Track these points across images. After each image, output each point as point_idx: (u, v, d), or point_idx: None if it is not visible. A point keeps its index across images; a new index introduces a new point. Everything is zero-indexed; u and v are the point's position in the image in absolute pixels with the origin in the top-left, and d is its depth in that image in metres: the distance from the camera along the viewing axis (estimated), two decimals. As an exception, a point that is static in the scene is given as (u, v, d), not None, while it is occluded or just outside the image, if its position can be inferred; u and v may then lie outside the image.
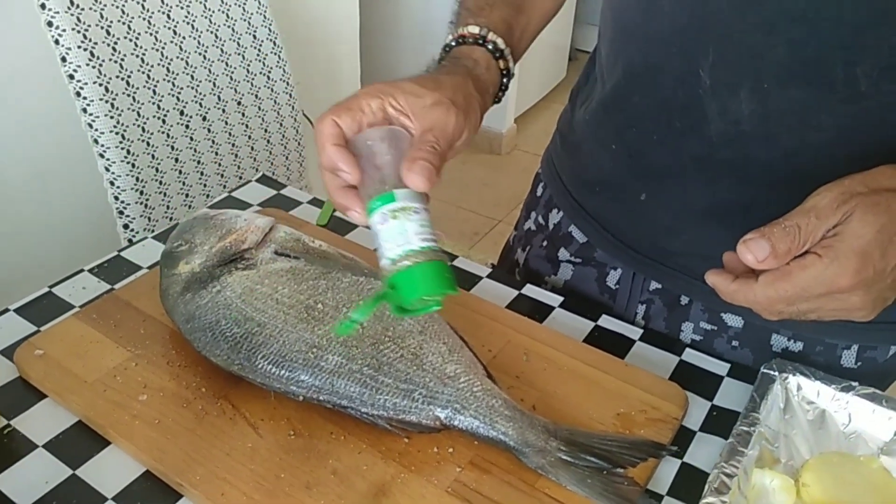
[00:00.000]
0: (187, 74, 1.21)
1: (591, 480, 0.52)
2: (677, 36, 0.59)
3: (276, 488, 0.52)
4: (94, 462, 0.55)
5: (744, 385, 0.65)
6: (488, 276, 0.77)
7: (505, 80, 0.63)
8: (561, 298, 0.74)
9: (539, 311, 0.72)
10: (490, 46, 0.61)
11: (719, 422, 0.61)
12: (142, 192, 1.17)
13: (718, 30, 0.56)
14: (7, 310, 0.69)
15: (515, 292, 0.75)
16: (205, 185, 1.28)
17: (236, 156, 1.30)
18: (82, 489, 0.53)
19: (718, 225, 0.62)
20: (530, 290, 0.75)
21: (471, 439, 0.55)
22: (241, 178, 1.31)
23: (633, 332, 0.70)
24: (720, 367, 0.67)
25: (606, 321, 0.71)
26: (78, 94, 1.08)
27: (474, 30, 0.62)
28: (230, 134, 1.28)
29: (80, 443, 0.56)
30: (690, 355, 0.68)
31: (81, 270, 0.75)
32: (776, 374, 0.61)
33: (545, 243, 0.82)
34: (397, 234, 0.48)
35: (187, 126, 1.22)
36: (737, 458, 0.54)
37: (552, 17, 0.74)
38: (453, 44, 0.62)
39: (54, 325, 0.66)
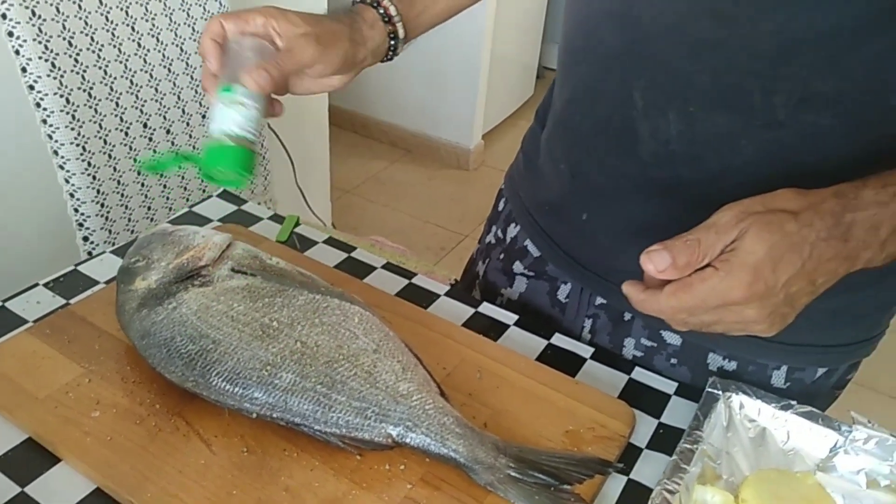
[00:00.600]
0: (150, 87, 1.21)
1: (539, 497, 0.53)
2: (614, 59, 0.63)
3: (228, 505, 0.52)
4: (44, 479, 0.55)
5: (690, 403, 0.67)
6: (446, 294, 0.78)
7: (392, 42, 0.72)
8: (516, 317, 0.76)
9: (494, 329, 0.74)
10: (381, 11, 0.70)
11: (666, 439, 0.63)
12: (102, 205, 1.16)
13: (650, 54, 0.60)
14: (-42, 324, 0.68)
15: (472, 310, 0.76)
16: (167, 199, 1.27)
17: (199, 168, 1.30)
18: (30, 507, 0.53)
19: (654, 244, 0.64)
20: (486, 308, 0.77)
21: (422, 456, 0.56)
22: (203, 191, 1.31)
23: (585, 351, 0.72)
24: (668, 386, 0.69)
25: (559, 339, 0.73)
26: (38, 104, 1.07)
27: None
28: (193, 147, 1.28)
29: (29, 460, 0.56)
30: (639, 374, 0.70)
31: (36, 285, 0.74)
32: (720, 392, 0.63)
33: (502, 256, 0.85)
34: (223, 117, 0.60)
35: (150, 139, 1.22)
36: (679, 474, 0.55)
37: (471, 2, 0.80)
38: (358, 1, 0.71)
39: (6, 339, 0.65)
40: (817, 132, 0.56)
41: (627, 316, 0.74)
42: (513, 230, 0.84)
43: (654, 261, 0.50)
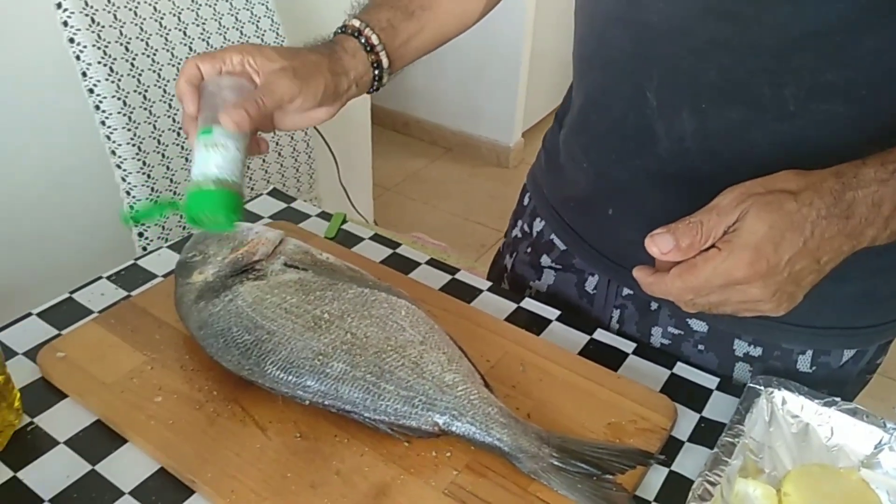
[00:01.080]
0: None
1: (581, 486, 0.55)
2: (626, 61, 0.64)
3: (283, 487, 0.55)
4: (112, 458, 0.58)
5: (732, 399, 0.67)
6: (488, 290, 0.80)
7: (377, 71, 0.70)
8: (558, 312, 0.77)
9: (536, 324, 0.75)
10: (363, 40, 0.69)
11: (707, 433, 0.64)
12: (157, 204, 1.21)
13: (659, 55, 0.61)
14: (30, 314, 0.72)
15: (514, 305, 0.78)
16: (217, 196, 1.31)
17: (248, 167, 1.34)
18: (101, 484, 0.56)
19: None
20: (529, 304, 0.78)
21: (468, 444, 0.58)
22: (252, 190, 1.35)
23: (627, 346, 0.73)
24: (710, 381, 0.69)
25: (601, 334, 0.74)
26: (97, 107, 1.12)
27: (355, 23, 0.69)
28: (243, 146, 1.32)
29: (98, 440, 0.60)
30: (682, 369, 0.71)
31: (100, 278, 0.78)
32: (762, 388, 0.64)
33: (529, 250, 0.87)
34: (204, 160, 0.58)
35: (201, 138, 1.26)
36: (721, 467, 0.56)
37: (458, 32, 0.80)
38: (339, 31, 0.70)
39: (75, 328, 0.69)
40: (829, 120, 0.57)
41: (654, 305, 0.75)
42: (538, 224, 0.86)
43: (658, 243, 0.51)
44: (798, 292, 0.52)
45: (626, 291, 0.77)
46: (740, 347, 0.73)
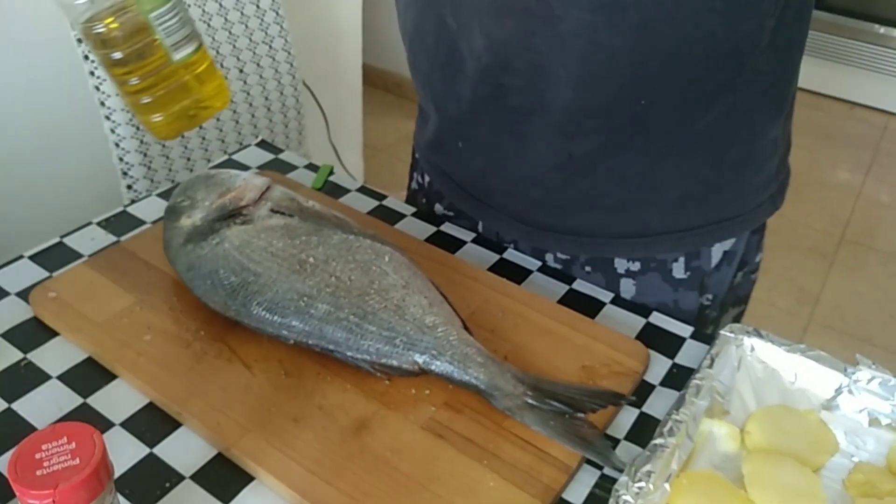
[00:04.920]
0: (192, 41, 1.25)
1: (554, 423, 0.57)
2: None
3: (267, 420, 0.57)
4: (103, 392, 0.60)
5: (705, 346, 0.70)
6: (472, 241, 0.82)
7: None
8: (539, 263, 0.79)
9: (518, 274, 0.77)
10: None
11: (679, 378, 0.66)
12: (145, 154, 1.22)
13: None
14: (21, 256, 0.74)
15: (497, 256, 0.80)
16: (206, 150, 1.32)
17: (237, 122, 1.35)
18: (92, 415, 0.58)
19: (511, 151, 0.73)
20: (511, 255, 0.80)
21: (445, 383, 0.60)
22: (241, 143, 1.36)
23: (604, 296, 0.75)
24: (684, 330, 0.72)
25: (580, 285, 0.76)
26: (86, 57, 1.12)
27: None
28: (231, 100, 1.33)
29: (90, 376, 0.62)
30: (657, 318, 0.73)
31: (90, 223, 0.79)
32: (732, 335, 0.66)
33: (424, 201, 0.92)
34: None
35: (191, 92, 1.26)
36: (687, 406, 0.59)
37: None
38: None
39: (66, 270, 0.71)
40: (591, 23, 0.61)
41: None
42: (428, 176, 0.90)
43: None
44: None
45: (518, 227, 0.80)
46: (620, 265, 0.77)
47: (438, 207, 0.89)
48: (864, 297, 2.08)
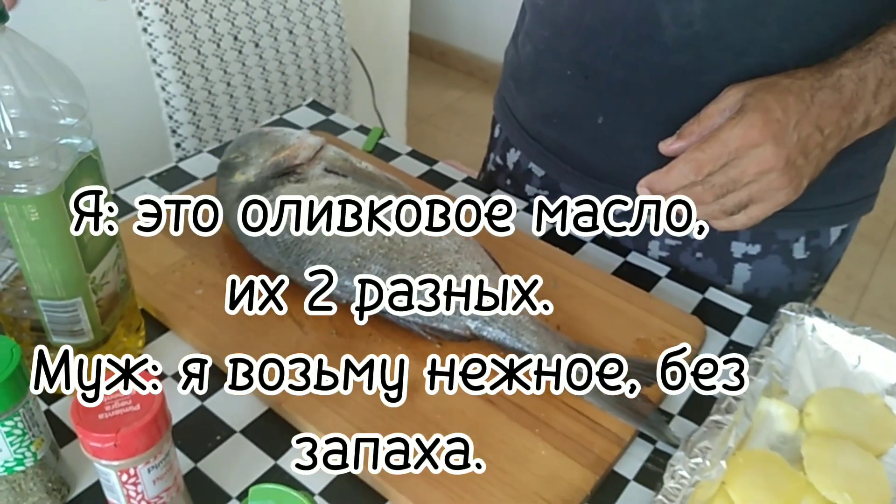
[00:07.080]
0: (243, 1, 1.24)
1: (608, 394, 0.56)
2: None
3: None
4: (155, 344, 0.61)
5: (763, 324, 0.68)
6: (523, 210, 0.80)
7: None
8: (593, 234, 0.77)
9: (571, 245, 0.76)
10: None
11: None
12: (194, 113, 1.22)
13: None
14: (76, 207, 0.74)
15: (549, 225, 0.78)
16: (254, 111, 1.32)
17: (285, 84, 1.34)
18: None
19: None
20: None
21: (497, 350, 0.59)
22: (288, 105, 1.35)
23: (661, 269, 0.73)
24: (741, 307, 0.70)
25: (635, 257, 0.75)
26: (139, 13, 1.12)
27: None
28: (280, 62, 1.32)
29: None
30: (713, 294, 0.71)
31: (142, 177, 0.80)
32: (793, 314, 0.64)
33: (509, 182, 0.87)
34: None
35: (240, 51, 1.26)
36: (746, 383, 0.57)
37: None
38: None
39: (120, 222, 0.71)
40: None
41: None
42: (513, 155, 0.85)
43: (664, 144, 0.59)
44: (806, 168, 0.55)
45: (618, 209, 0.76)
46: (738, 249, 0.74)
47: (530, 189, 0.84)
48: (916, 287, 2.02)
